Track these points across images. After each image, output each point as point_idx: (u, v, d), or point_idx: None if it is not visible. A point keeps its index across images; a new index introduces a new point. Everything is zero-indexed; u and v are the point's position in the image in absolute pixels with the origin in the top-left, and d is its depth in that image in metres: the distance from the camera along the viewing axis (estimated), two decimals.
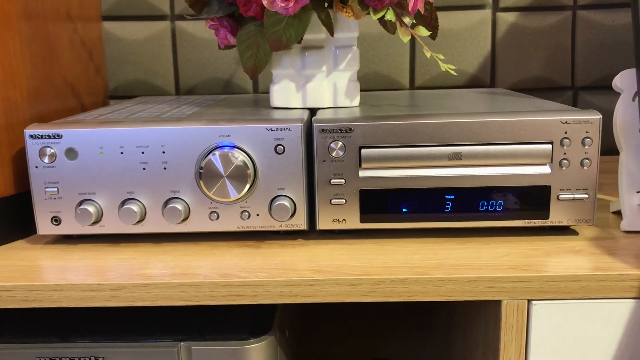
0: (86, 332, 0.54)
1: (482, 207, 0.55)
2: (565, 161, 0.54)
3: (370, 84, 0.94)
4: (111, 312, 0.57)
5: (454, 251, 0.53)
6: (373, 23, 0.62)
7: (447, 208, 0.55)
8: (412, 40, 0.92)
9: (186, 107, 0.68)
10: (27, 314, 0.58)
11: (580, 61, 0.92)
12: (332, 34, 0.59)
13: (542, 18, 0.91)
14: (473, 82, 0.94)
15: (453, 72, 0.58)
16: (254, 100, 0.77)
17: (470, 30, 0.92)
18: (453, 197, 0.55)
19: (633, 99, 0.58)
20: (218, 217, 0.55)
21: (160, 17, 0.92)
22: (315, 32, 0.61)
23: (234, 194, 0.53)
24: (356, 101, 0.64)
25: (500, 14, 0.92)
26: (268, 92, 0.91)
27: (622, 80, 0.58)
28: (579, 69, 0.93)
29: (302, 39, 0.58)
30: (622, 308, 0.48)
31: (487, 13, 0.92)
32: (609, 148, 0.66)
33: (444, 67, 0.58)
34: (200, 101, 0.75)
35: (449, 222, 0.55)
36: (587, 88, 0.93)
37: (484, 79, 0.94)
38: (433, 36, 0.66)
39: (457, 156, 0.53)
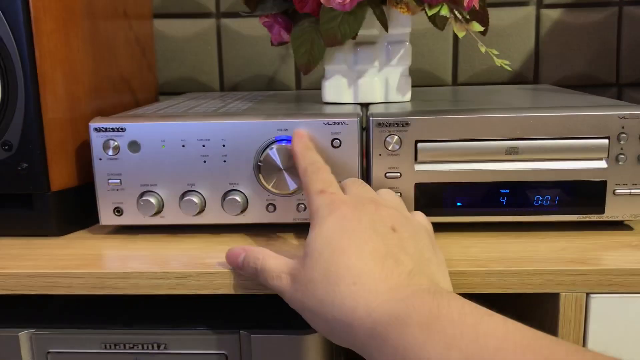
0: (148, 319, 0.56)
1: (537, 202, 0.55)
2: (622, 156, 0.54)
3: (413, 80, 0.94)
4: (173, 300, 0.59)
5: (511, 245, 0.53)
6: (416, 19, 0.62)
7: (503, 202, 0.55)
8: (455, 36, 0.93)
9: (238, 102, 0.70)
10: (91, 301, 0.60)
11: (626, 58, 0.92)
12: (386, 30, 0.60)
13: (587, 14, 0.91)
14: (516, 79, 0.94)
15: (508, 68, 0.58)
16: (302, 96, 0.78)
17: (514, 27, 0.92)
18: (508, 191, 0.55)
19: None
20: (275, 209, 0.57)
21: (207, 15, 0.94)
22: (368, 28, 0.61)
23: (292, 186, 0.55)
24: (407, 96, 0.65)
25: (544, 11, 0.91)
26: (311, 89, 0.93)
27: None
28: (624, 65, 0.92)
29: (356, 34, 0.59)
30: None
31: (531, 10, 0.91)
32: None
33: (498, 62, 0.58)
34: (249, 97, 0.77)
35: (504, 217, 0.55)
36: (632, 85, 0.92)
37: (527, 75, 0.94)
38: (484, 32, 0.66)
39: (513, 150, 0.54)
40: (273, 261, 0.46)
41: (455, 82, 0.94)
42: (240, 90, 0.96)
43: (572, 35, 0.92)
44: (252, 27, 0.94)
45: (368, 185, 0.51)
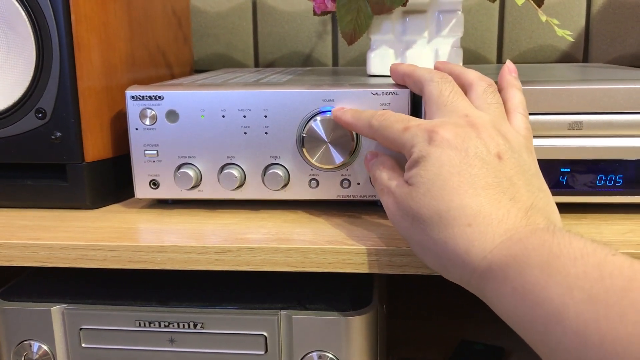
0: (184, 297, 0.54)
1: (599, 181, 0.51)
2: None
3: None
4: (209, 278, 0.56)
5: (572, 227, 0.49)
6: None
7: (563, 181, 0.51)
8: (501, 14, 0.89)
9: (278, 75, 0.67)
10: (126, 277, 0.58)
11: None
12: None
13: None
14: (564, 59, 0.89)
15: (569, 38, 0.54)
16: (344, 71, 0.75)
17: (564, 5, 0.87)
18: (569, 169, 0.51)
19: None
20: (318, 184, 0.54)
21: None
22: None
23: (339, 160, 0.51)
24: None
25: None
26: (349, 67, 0.89)
27: None
28: None
29: (407, 1, 0.56)
30: None
31: None
32: None
33: (560, 32, 0.54)
34: (288, 72, 0.74)
35: (564, 197, 0.52)
36: None
37: (577, 55, 0.89)
38: (539, 3, 0.62)
39: (577, 125, 0.50)
40: (386, 174, 0.45)
41: (500, 60, 0.90)
42: (275, 67, 0.93)
43: (627, 13, 0.87)
44: (289, 2, 0.91)
45: (454, 85, 0.45)
